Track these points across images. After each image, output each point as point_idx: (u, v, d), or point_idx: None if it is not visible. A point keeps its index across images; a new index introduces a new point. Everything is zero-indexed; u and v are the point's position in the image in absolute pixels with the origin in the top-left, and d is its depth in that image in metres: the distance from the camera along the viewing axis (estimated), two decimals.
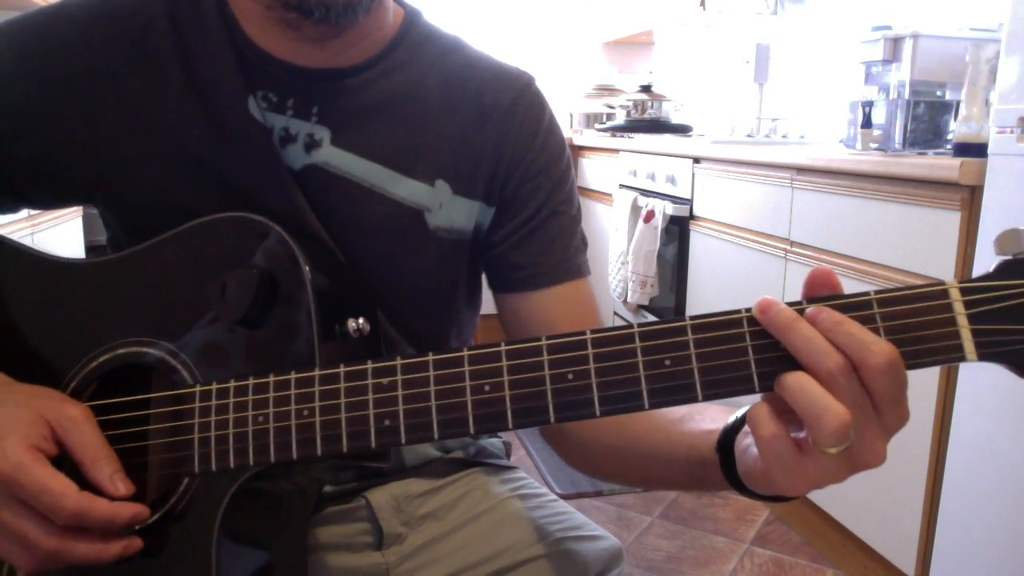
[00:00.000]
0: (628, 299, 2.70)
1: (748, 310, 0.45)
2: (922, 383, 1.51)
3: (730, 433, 0.54)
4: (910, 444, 1.56)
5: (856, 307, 0.44)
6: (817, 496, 1.87)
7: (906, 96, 1.78)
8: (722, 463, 0.54)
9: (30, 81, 0.65)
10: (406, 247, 0.69)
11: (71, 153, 0.66)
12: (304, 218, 0.65)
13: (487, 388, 0.48)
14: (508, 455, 0.85)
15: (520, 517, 0.74)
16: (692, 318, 0.46)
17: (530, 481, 0.80)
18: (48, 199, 0.73)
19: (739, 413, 0.54)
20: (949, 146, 1.71)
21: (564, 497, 1.11)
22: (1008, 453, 1.37)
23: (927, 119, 1.80)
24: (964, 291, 0.43)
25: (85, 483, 0.53)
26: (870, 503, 1.68)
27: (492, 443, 0.84)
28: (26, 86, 0.65)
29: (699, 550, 1.95)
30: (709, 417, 0.58)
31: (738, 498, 1.96)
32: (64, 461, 0.54)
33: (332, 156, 0.66)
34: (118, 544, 0.54)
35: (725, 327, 0.45)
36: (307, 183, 0.66)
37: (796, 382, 0.43)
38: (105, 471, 0.54)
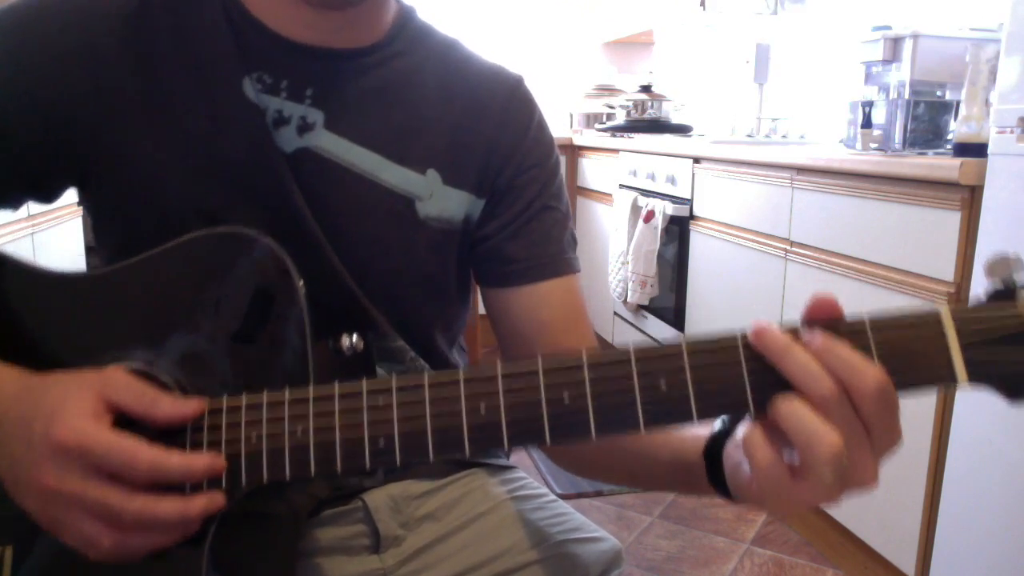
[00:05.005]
0: (628, 299, 2.70)
1: (744, 334, 0.46)
2: None
3: (717, 439, 0.54)
4: (910, 444, 1.55)
5: (850, 331, 0.44)
6: None
7: (906, 96, 1.78)
8: (708, 469, 0.54)
9: (33, 63, 0.64)
10: (397, 234, 0.69)
11: (72, 134, 0.64)
12: (292, 200, 0.65)
13: (483, 409, 0.48)
14: (508, 455, 0.85)
15: (519, 519, 0.73)
16: (688, 341, 0.46)
17: (529, 481, 0.80)
18: (61, 180, 0.69)
19: (724, 418, 0.54)
20: (949, 146, 1.71)
21: (564, 497, 1.11)
22: (1008, 453, 1.36)
23: (927, 119, 1.80)
24: (956, 317, 0.44)
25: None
26: (870, 503, 1.68)
27: None
28: (29, 68, 0.64)
29: (699, 550, 1.95)
30: None
31: None
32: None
33: (324, 140, 0.67)
34: (202, 497, 0.51)
35: (721, 351, 0.46)
36: (298, 166, 0.66)
37: (789, 407, 0.44)
38: (166, 403, 0.53)
